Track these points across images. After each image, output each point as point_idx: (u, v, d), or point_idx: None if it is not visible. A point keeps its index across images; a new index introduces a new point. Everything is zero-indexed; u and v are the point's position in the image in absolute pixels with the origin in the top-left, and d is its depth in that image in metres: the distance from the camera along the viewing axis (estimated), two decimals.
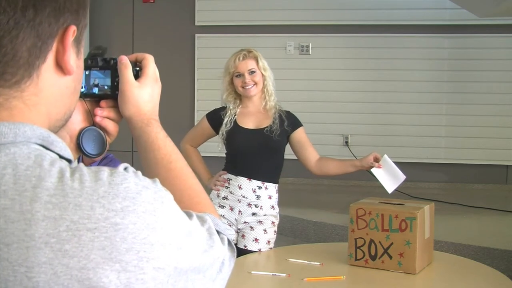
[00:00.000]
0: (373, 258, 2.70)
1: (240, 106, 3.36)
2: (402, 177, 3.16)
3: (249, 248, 3.25)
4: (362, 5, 7.14)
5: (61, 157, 0.82)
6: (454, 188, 7.02)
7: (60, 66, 0.84)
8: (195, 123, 6.72)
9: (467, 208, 5.74)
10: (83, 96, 1.11)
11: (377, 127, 7.17)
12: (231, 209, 3.29)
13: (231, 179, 3.30)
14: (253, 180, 3.28)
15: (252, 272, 2.72)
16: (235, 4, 7.35)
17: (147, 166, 1.10)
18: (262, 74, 3.31)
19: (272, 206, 3.31)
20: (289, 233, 5.31)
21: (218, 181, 3.33)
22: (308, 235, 5.25)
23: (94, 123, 1.14)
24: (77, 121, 1.13)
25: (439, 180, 7.16)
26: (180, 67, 7.47)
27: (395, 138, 7.14)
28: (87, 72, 1.12)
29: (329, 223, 5.14)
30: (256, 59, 3.31)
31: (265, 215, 3.28)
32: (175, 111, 7.23)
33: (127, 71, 1.10)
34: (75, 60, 0.86)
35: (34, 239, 0.70)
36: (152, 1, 7.55)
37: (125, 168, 0.81)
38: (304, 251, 3.09)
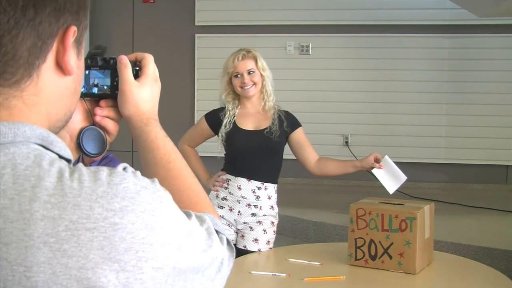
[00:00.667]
0: (373, 258, 2.70)
1: (239, 106, 3.34)
2: (403, 177, 3.16)
3: (249, 248, 3.24)
4: (362, 5, 7.14)
5: (60, 157, 0.82)
6: (454, 188, 7.02)
7: (61, 67, 0.84)
8: (195, 123, 6.73)
9: (467, 208, 5.74)
10: (83, 95, 1.11)
11: (377, 127, 7.17)
12: (231, 209, 3.28)
13: (230, 180, 3.29)
14: (252, 181, 3.27)
15: (252, 272, 2.72)
16: (235, 4, 7.35)
17: (146, 165, 1.10)
18: (261, 74, 3.29)
19: (272, 207, 3.30)
20: (289, 233, 5.31)
21: (217, 181, 3.33)
22: (308, 235, 5.25)
23: (94, 123, 1.14)
24: (77, 121, 1.13)
25: (439, 180, 7.16)
26: (180, 67, 7.47)
27: (395, 138, 7.14)
28: (86, 72, 1.12)
29: (329, 223, 5.14)
30: (255, 59, 3.29)
31: (264, 215, 3.27)
32: (175, 111, 7.23)
33: (126, 71, 1.10)
34: (75, 60, 0.86)
35: (33, 238, 0.70)
36: (152, 1, 7.55)
37: (124, 168, 0.81)
38: (304, 251, 3.09)
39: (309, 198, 6.42)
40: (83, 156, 2.88)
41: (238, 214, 3.27)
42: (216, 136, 3.38)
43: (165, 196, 0.80)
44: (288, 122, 3.31)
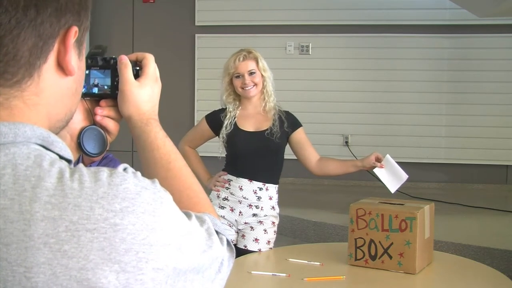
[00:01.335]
0: (373, 258, 2.70)
1: (240, 107, 3.34)
2: (404, 176, 3.16)
3: (249, 248, 3.24)
4: (362, 5, 7.14)
5: (61, 157, 0.82)
6: (454, 188, 7.02)
7: (62, 67, 0.84)
8: (195, 123, 6.72)
9: (467, 208, 5.74)
10: (83, 95, 1.11)
11: (377, 127, 7.17)
12: (232, 210, 3.29)
13: (231, 180, 3.30)
14: (254, 182, 3.27)
15: (252, 272, 2.72)
16: (235, 4, 7.35)
17: (146, 165, 1.10)
18: (262, 75, 3.29)
19: (273, 207, 3.31)
20: (289, 233, 5.31)
21: (218, 181, 3.33)
22: (308, 235, 5.25)
23: (94, 123, 1.14)
24: (78, 121, 1.13)
25: (439, 180, 7.16)
26: (180, 67, 7.47)
27: (395, 138, 7.14)
28: (87, 72, 1.12)
29: (329, 223, 5.14)
30: (256, 60, 3.29)
31: (265, 215, 3.28)
32: (175, 111, 7.23)
33: (127, 71, 1.10)
34: (76, 61, 0.86)
35: (33, 239, 0.70)
36: (152, 1, 7.55)
37: (125, 169, 0.81)
38: (304, 251, 3.09)
39: (309, 198, 6.42)
40: (83, 156, 2.88)
41: (239, 215, 3.28)
42: (217, 137, 3.37)
43: (165, 197, 0.80)
44: (288, 122, 3.31)
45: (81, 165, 0.79)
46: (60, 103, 0.87)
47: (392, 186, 3.18)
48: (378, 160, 3.17)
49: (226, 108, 3.36)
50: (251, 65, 3.27)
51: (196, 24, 7.47)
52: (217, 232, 0.90)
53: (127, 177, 0.77)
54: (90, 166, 3.06)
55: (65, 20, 0.82)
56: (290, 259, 2.88)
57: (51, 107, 0.85)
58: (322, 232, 5.16)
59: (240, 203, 3.27)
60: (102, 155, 1.16)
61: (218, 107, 3.43)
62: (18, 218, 0.71)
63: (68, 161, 0.83)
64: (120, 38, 7.57)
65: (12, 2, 0.76)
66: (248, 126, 3.31)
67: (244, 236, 3.28)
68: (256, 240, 3.25)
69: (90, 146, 1.12)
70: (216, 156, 3.55)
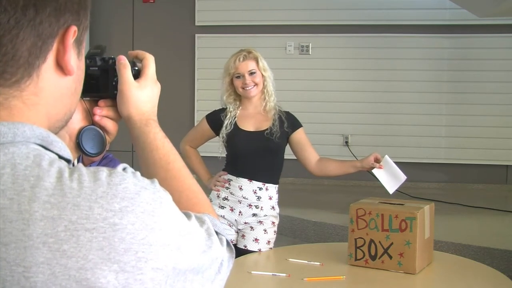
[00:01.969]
0: (373, 258, 2.70)
1: (240, 107, 3.34)
2: (403, 177, 3.17)
3: (249, 248, 3.25)
4: (362, 5, 7.14)
5: (60, 157, 0.82)
6: (454, 188, 7.02)
7: (61, 67, 0.84)
8: (195, 123, 6.72)
9: (467, 208, 5.74)
10: (82, 95, 1.12)
11: (377, 127, 7.17)
12: (232, 209, 3.29)
13: (231, 180, 3.30)
14: (254, 181, 3.27)
15: (252, 272, 2.72)
16: (235, 4, 7.35)
17: (145, 166, 1.10)
18: (262, 75, 3.29)
19: (273, 207, 3.31)
20: (289, 233, 5.31)
21: (218, 181, 3.33)
22: (308, 235, 5.25)
23: (93, 123, 1.14)
24: (77, 120, 1.13)
25: (439, 180, 7.16)
26: (180, 67, 7.47)
27: (395, 138, 7.14)
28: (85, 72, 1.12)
29: (329, 223, 5.14)
30: (256, 60, 3.29)
31: (265, 215, 3.28)
32: (175, 111, 7.23)
33: (126, 71, 1.10)
34: (75, 61, 0.86)
35: (32, 239, 0.70)
36: (152, 1, 7.54)
37: (124, 169, 0.81)
38: (304, 251, 3.09)
39: (309, 198, 6.42)
40: (82, 156, 2.88)
41: (239, 214, 3.28)
42: (217, 136, 3.38)
43: (165, 197, 0.80)
44: (288, 122, 3.31)
45: (80, 164, 0.78)
46: (60, 103, 0.87)
47: (391, 187, 3.18)
48: (377, 160, 3.17)
49: (226, 108, 3.36)
50: (251, 65, 3.27)
51: (196, 24, 7.47)
52: (216, 233, 0.90)
53: (126, 177, 0.77)
54: (90, 166, 3.07)
55: (64, 19, 0.82)
56: (290, 259, 2.88)
57: (50, 107, 0.85)
58: (322, 232, 5.16)
59: (240, 203, 3.27)
60: (101, 155, 1.16)
61: (218, 107, 3.44)
62: (17, 217, 0.71)
63: (68, 161, 0.83)
64: (120, 38, 7.57)
65: (11, 2, 0.76)
66: (248, 126, 3.31)
67: (244, 236, 3.28)
68: (256, 240, 3.25)
69: (89, 146, 1.12)
70: (216, 156, 3.55)
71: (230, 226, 3.29)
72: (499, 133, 6.98)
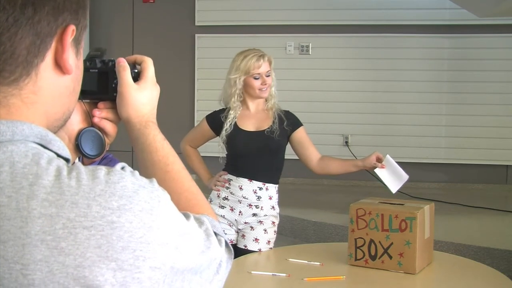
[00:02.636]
0: (373, 258, 2.70)
1: (241, 108, 3.35)
2: (405, 176, 3.17)
3: (249, 248, 3.25)
4: (362, 5, 7.14)
5: (59, 156, 0.82)
6: (454, 188, 7.02)
7: (59, 66, 0.84)
8: (195, 123, 6.73)
9: (467, 208, 5.74)
10: (81, 97, 1.12)
11: (377, 127, 7.16)
12: (232, 209, 3.29)
13: (232, 180, 3.30)
14: (254, 181, 3.27)
15: (252, 272, 2.72)
16: (235, 4, 7.35)
17: (144, 168, 1.10)
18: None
19: (273, 207, 3.31)
20: (289, 233, 5.31)
21: (218, 181, 3.33)
22: (308, 235, 5.25)
23: (93, 124, 1.14)
24: (76, 122, 1.13)
25: (439, 180, 7.16)
26: (180, 67, 7.47)
27: (395, 138, 7.13)
28: (84, 74, 1.12)
29: (329, 223, 5.14)
30: (271, 62, 3.34)
31: (265, 215, 3.28)
32: (175, 111, 7.23)
33: (125, 73, 1.10)
34: (74, 60, 0.87)
35: (30, 236, 0.70)
36: (152, 1, 7.54)
37: (122, 168, 0.81)
38: (304, 251, 3.09)
39: (309, 198, 6.42)
40: (83, 158, 2.87)
41: (239, 214, 3.28)
42: (218, 137, 3.37)
43: (163, 196, 0.80)
44: (288, 121, 3.31)
45: (78, 163, 0.79)
46: (58, 102, 0.87)
47: (393, 186, 3.18)
48: (379, 160, 3.17)
49: (226, 108, 3.35)
50: (267, 66, 3.31)
51: (196, 24, 7.47)
52: (215, 234, 0.90)
53: (124, 175, 0.77)
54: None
55: (62, 18, 0.82)
56: (290, 259, 2.88)
57: (49, 106, 0.85)
58: (322, 232, 5.16)
59: (240, 202, 3.28)
60: (100, 156, 1.16)
61: (218, 107, 3.43)
62: (15, 215, 0.71)
63: (66, 160, 0.83)
64: (120, 38, 7.57)
65: (10, 0, 0.77)
66: (249, 125, 3.32)
67: (244, 236, 3.28)
68: (256, 240, 3.26)
69: (88, 148, 1.12)
70: (217, 156, 3.54)
71: (230, 226, 3.29)
72: (499, 133, 6.97)
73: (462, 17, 6.79)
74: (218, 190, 3.32)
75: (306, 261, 2.83)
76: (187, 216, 0.86)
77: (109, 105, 1.15)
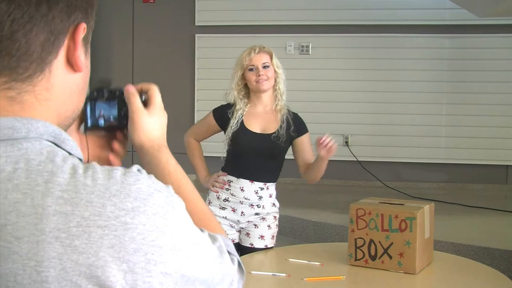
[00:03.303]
0: (373, 258, 2.70)
1: (248, 105, 3.29)
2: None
3: (256, 245, 3.25)
4: (362, 5, 7.14)
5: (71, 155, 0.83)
6: (454, 188, 7.02)
7: (71, 63, 0.85)
8: (195, 121, 6.72)
9: (467, 208, 5.74)
10: (89, 129, 1.11)
11: (377, 127, 7.17)
12: (234, 210, 3.27)
13: (232, 181, 3.26)
14: (255, 182, 3.25)
15: (252, 272, 2.72)
16: (235, 4, 7.35)
17: None
18: (275, 71, 3.28)
19: (273, 204, 3.32)
20: (289, 233, 5.31)
21: (217, 181, 3.29)
22: (308, 235, 5.25)
23: (88, 159, 1.13)
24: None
25: (439, 180, 7.16)
26: (180, 67, 7.46)
27: (395, 138, 7.14)
28: (92, 105, 1.12)
29: (329, 223, 5.13)
30: (271, 55, 3.29)
31: (267, 213, 3.29)
32: (175, 111, 7.18)
33: (135, 99, 1.10)
34: (84, 58, 0.87)
35: (44, 233, 0.71)
36: (152, 1, 7.54)
37: (139, 170, 0.81)
38: (304, 251, 3.09)
39: (309, 198, 6.42)
40: None
41: (242, 215, 3.27)
42: (223, 132, 3.32)
43: (178, 202, 0.81)
44: (295, 127, 3.27)
45: (94, 162, 0.79)
46: (69, 100, 0.88)
47: None
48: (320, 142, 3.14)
49: (233, 104, 3.30)
50: (265, 58, 3.25)
51: (196, 24, 7.47)
52: (229, 252, 0.91)
53: (140, 178, 0.78)
54: None
55: (74, 16, 0.83)
56: (290, 259, 2.88)
57: (60, 103, 0.86)
58: (322, 232, 5.16)
59: (242, 203, 3.26)
60: None
61: (221, 104, 3.39)
62: (30, 212, 0.71)
63: (79, 160, 0.84)
64: (120, 38, 7.57)
65: None
66: (255, 126, 3.27)
67: (249, 234, 3.28)
68: (262, 237, 3.26)
69: None
70: (218, 156, 3.51)
71: (232, 226, 3.28)
72: (499, 133, 6.98)
73: (462, 17, 6.80)
74: (216, 191, 3.29)
75: (306, 261, 2.83)
76: (202, 230, 0.87)
77: (124, 137, 1.16)
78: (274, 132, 3.23)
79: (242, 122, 3.25)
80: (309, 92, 7.20)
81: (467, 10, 6.36)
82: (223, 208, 3.28)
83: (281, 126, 3.24)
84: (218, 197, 3.29)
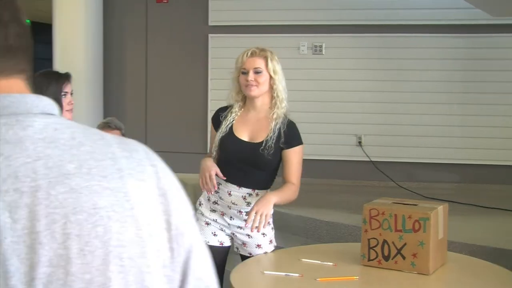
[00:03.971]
0: (386, 258, 2.69)
1: (242, 109, 3.17)
2: None
3: (254, 254, 3.15)
4: (376, 5, 7.11)
5: None
6: (468, 189, 6.97)
7: None
8: (209, 123, 6.72)
9: (482, 209, 5.71)
10: None
11: (391, 127, 7.13)
12: (222, 214, 3.17)
13: (221, 184, 3.11)
14: (243, 188, 3.10)
15: (265, 272, 2.72)
16: (248, 4, 7.34)
17: None
18: (271, 77, 3.08)
19: None
20: (302, 233, 5.30)
21: (210, 179, 3.01)
22: (321, 235, 5.24)
23: None
24: None
25: (453, 180, 7.12)
26: (194, 67, 7.47)
27: (408, 138, 7.10)
28: None
29: (342, 223, 5.12)
30: (266, 59, 3.07)
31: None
32: (188, 110, 7.23)
33: None
34: None
35: (122, 171, 0.85)
36: (165, 1, 7.56)
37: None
38: (317, 251, 3.09)
39: (322, 198, 6.39)
40: None
41: (231, 219, 3.17)
42: None
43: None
44: (286, 138, 3.06)
45: None
46: None
47: None
48: None
49: (228, 107, 3.21)
50: (258, 62, 3.07)
51: (209, 24, 7.48)
52: None
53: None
54: None
55: None
56: (303, 259, 2.88)
57: None
58: (334, 232, 5.15)
59: (230, 208, 3.14)
60: None
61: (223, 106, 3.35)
62: (104, 157, 0.85)
63: None
64: (134, 38, 7.59)
65: None
66: (244, 133, 3.12)
67: (245, 244, 3.17)
68: (259, 246, 3.16)
69: None
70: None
71: (222, 229, 3.19)
72: None
73: (476, 16, 6.75)
74: (209, 191, 3.06)
75: (319, 261, 2.83)
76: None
77: None
78: (261, 143, 3.05)
79: (231, 127, 3.13)
80: (322, 92, 7.18)
81: (481, 9, 6.33)
82: (213, 211, 3.19)
83: (270, 137, 3.04)
84: (208, 199, 3.20)
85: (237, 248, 3.24)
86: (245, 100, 3.18)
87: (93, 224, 0.79)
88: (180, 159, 6.05)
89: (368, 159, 7.01)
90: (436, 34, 7.02)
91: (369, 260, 2.74)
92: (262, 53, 3.10)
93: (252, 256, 3.13)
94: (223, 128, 3.14)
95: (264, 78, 3.07)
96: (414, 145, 7.06)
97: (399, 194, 3.17)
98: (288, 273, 2.67)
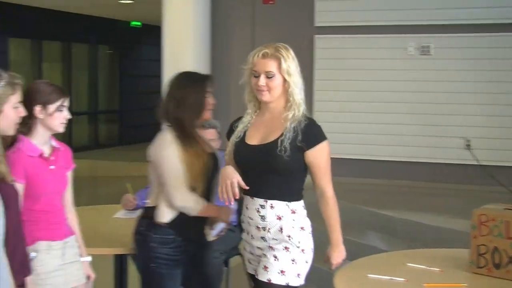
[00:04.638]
0: (497, 266, 2.61)
1: (256, 112, 2.85)
2: None
3: (274, 281, 2.69)
4: (486, 4, 6.89)
5: None
6: None
7: None
8: None
9: None
10: None
11: (501, 130, 6.88)
12: (247, 232, 2.84)
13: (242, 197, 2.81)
14: (255, 199, 2.74)
15: (369, 275, 2.70)
16: (354, 4, 7.30)
17: None
18: (285, 80, 2.73)
19: (280, 229, 2.72)
20: (405, 236, 5.22)
21: (232, 188, 2.69)
22: (426, 240, 5.14)
23: None
24: None
25: None
26: (299, 68, 7.50)
27: None
28: None
29: (448, 228, 5.02)
30: (279, 61, 2.72)
31: (274, 239, 2.73)
32: None
33: None
34: None
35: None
36: (272, 2, 7.64)
37: None
38: (422, 256, 3.03)
39: (425, 201, 6.25)
40: None
41: (252, 238, 2.81)
42: None
43: None
44: (304, 136, 2.69)
45: None
46: None
47: None
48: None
49: (241, 117, 2.89)
50: (270, 65, 2.71)
51: (315, 25, 7.49)
52: None
53: None
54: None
55: None
56: (408, 264, 2.83)
57: None
58: (439, 237, 5.04)
59: (249, 224, 2.80)
60: None
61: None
62: None
63: None
64: (240, 39, 7.71)
65: None
66: (254, 137, 2.78)
67: (267, 268, 2.71)
68: (282, 272, 2.70)
69: None
70: None
71: (252, 254, 2.83)
72: None
73: None
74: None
75: (424, 266, 2.78)
76: None
77: None
78: (274, 142, 2.70)
79: (245, 133, 2.81)
80: (430, 94, 7.02)
81: None
82: (243, 230, 2.89)
83: (285, 136, 2.68)
84: (243, 221, 2.86)
85: (255, 271, 2.81)
86: (259, 102, 2.84)
87: None
88: None
89: (475, 163, 6.80)
90: None
91: (478, 267, 2.66)
92: (275, 54, 2.74)
93: (271, 283, 2.70)
94: (236, 136, 2.83)
95: (276, 82, 2.72)
96: None
97: (510, 201, 3.07)
98: (392, 277, 2.64)
